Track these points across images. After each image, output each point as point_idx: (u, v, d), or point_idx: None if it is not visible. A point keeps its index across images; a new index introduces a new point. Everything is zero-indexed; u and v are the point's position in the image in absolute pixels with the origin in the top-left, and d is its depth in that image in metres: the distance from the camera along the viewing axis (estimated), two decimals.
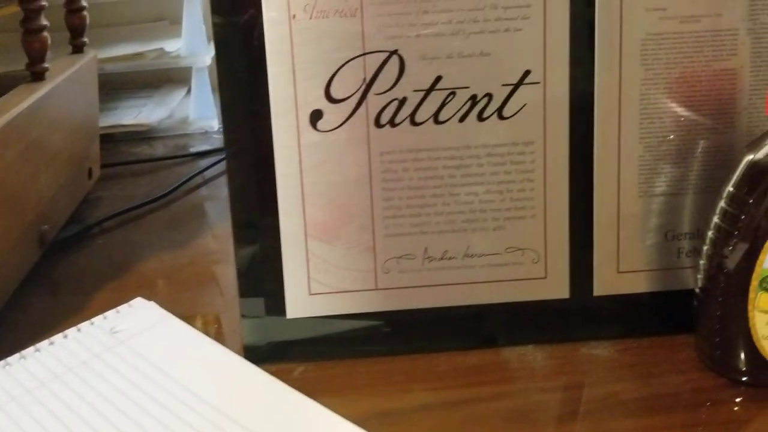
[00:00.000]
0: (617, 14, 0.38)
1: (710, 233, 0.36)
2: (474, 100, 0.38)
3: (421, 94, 0.38)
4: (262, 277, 0.40)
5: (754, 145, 0.35)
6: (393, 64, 0.38)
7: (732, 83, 0.39)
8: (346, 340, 0.41)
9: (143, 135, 0.79)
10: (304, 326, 0.40)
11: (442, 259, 0.40)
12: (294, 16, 0.37)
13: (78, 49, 0.60)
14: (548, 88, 0.38)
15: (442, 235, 0.40)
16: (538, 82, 0.38)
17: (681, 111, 0.39)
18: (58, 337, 0.42)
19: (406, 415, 0.37)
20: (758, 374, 0.37)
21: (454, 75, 0.38)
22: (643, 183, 0.39)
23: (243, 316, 0.40)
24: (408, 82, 0.38)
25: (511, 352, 0.41)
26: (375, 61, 0.38)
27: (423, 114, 0.38)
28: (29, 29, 0.50)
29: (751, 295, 0.35)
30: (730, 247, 0.35)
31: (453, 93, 0.38)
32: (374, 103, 0.38)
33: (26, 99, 0.48)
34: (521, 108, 0.38)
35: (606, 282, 0.41)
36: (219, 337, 0.43)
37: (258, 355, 0.40)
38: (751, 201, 0.34)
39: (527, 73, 0.38)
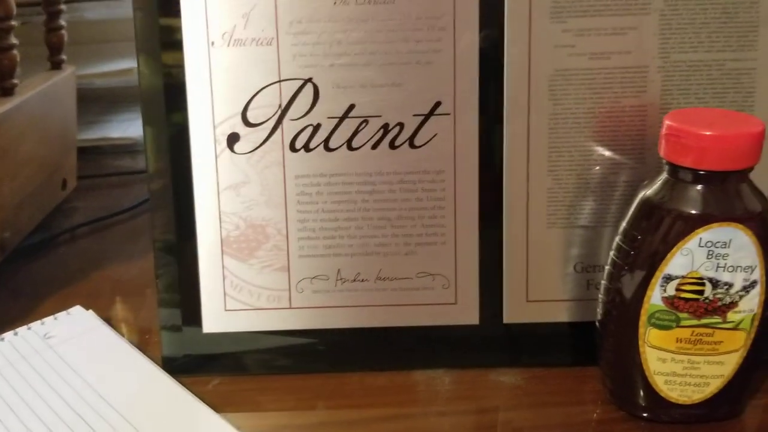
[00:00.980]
0: (525, 50, 0.39)
1: (607, 267, 0.37)
2: (386, 128, 0.40)
3: (335, 121, 0.39)
4: (180, 291, 0.41)
5: (650, 182, 0.36)
6: (307, 92, 0.39)
7: (642, 120, 0.39)
8: (260, 357, 0.42)
9: (129, 149, 0.82)
10: (219, 341, 0.42)
11: (354, 281, 0.41)
12: (212, 43, 0.39)
13: (56, 65, 0.63)
14: (458, 120, 0.39)
15: (354, 258, 0.41)
16: (448, 114, 0.39)
17: (590, 146, 0.39)
18: (5, 336, 0.45)
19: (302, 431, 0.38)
20: (656, 409, 0.37)
21: (366, 104, 0.39)
22: (552, 214, 0.40)
23: (162, 327, 0.42)
24: (322, 109, 0.39)
25: (422, 375, 0.42)
26: (290, 88, 0.39)
27: (337, 140, 0.40)
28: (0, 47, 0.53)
29: (641, 329, 0.35)
30: (621, 282, 0.36)
31: (366, 121, 0.39)
32: (289, 128, 0.40)
33: None
34: (432, 138, 0.40)
35: (515, 310, 0.41)
36: (147, 346, 0.45)
37: (175, 366, 0.42)
38: (639, 237, 0.35)
39: (438, 104, 0.39)
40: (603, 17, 0.38)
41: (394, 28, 0.38)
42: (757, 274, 0.34)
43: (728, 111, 0.37)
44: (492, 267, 0.41)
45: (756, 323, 0.35)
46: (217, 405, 0.39)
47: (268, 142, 0.40)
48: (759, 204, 0.34)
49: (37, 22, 0.65)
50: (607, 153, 0.40)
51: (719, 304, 0.34)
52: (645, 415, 0.37)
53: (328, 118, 0.39)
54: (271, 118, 0.39)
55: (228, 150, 0.40)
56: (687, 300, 0.34)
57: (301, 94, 0.39)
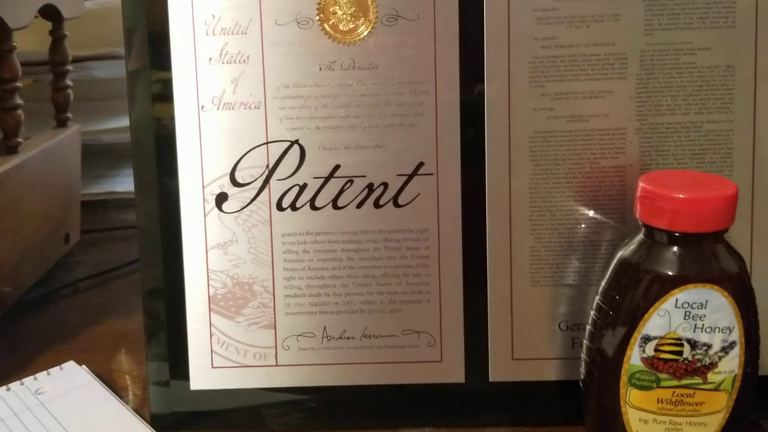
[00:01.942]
0: (505, 113, 0.40)
1: (588, 327, 0.37)
2: (371, 188, 0.40)
3: (321, 180, 0.40)
4: (168, 348, 0.42)
5: (628, 242, 0.36)
6: (294, 153, 0.40)
7: (621, 180, 0.40)
8: (247, 414, 0.42)
9: (135, 203, 0.83)
10: (207, 398, 0.42)
11: (340, 338, 0.42)
12: (203, 107, 0.40)
13: (61, 123, 0.65)
14: (441, 180, 0.40)
15: (340, 316, 0.41)
16: (431, 174, 0.40)
17: (571, 205, 0.40)
18: None
19: None
20: None
21: (351, 164, 0.40)
22: (536, 273, 0.41)
23: (150, 383, 0.42)
24: (308, 170, 0.40)
25: None
26: (277, 149, 0.40)
27: (322, 199, 0.41)
28: (5, 107, 0.55)
29: (622, 390, 0.35)
30: (602, 342, 0.36)
31: (351, 181, 0.40)
32: (276, 188, 0.41)
33: None
34: (415, 197, 0.40)
35: (501, 368, 0.41)
36: (139, 402, 0.45)
37: (164, 423, 0.42)
38: (618, 297, 0.35)
39: (421, 164, 0.40)
40: (580, 81, 0.39)
41: (378, 92, 0.40)
42: (735, 335, 0.34)
43: (703, 173, 0.37)
44: (477, 325, 0.41)
45: (737, 384, 0.35)
46: None
47: (255, 202, 0.41)
48: (735, 265, 0.34)
49: (48, 79, 0.67)
50: (589, 213, 0.40)
51: (699, 365, 0.34)
52: None
53: (314, 178, 0.40)
54: (258, 178, 0.41)
55: (216, 209, 0.41)
56: (666, 361, 0.34)
57: (287, 156, 0.40)
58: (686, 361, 0.34)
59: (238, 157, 0.40)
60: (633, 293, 0.35)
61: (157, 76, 0.40)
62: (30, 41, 0.81)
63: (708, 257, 0.34)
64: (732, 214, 0.34)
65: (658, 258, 0.34)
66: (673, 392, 0.35)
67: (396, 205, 0.41)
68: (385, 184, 0.40)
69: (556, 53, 0.39)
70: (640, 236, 0.35)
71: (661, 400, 0.35)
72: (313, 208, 0.41)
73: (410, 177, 0.40)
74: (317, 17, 0.39)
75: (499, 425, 0.41)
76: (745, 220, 0.40)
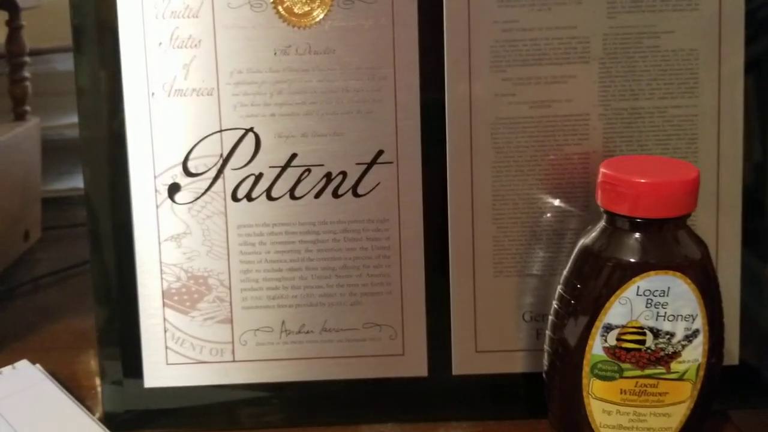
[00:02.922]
0: (467, 99, 0.39)
1: (550, 317, 0.36)
2: (329, 177, 0.39)
3: (277, 170, 0.39)
4: (121, 345, 0.40)
5: (590, 229, 0.35)
6: (249, 141, 0.39)
7: (585, 167, 0.39)
8: (204, 412, 0.41)
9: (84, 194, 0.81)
10: (161, 396, 0.40)
11: (299, 332, 0.40)
12: (153, 93, 0.39)
13: (19, 117, 0.63)
14: (401, 168, 0.39)
15: (299, 309, 0.40)
16: (391, 162, 0.39)
17: (534, 194, 0.39)
18: None
19: None
20: None
21: (308, 153, 0.39)
22: (498, 263, 0.40)
23: (103, 381, 0.41)
24: (264, 159, 0.39)
25: (371, 429, 0.40)
26: (231, 137, 0.39)
27: (279, 189, 0.39)
28: None
29: (585, 380, 0.35)
30: (564, 332, 0.35)
31: (308, 170, 0.39)
32: (231, 177, 0.39)
33: None
34: (375, 186, 0.39)
35: (464, 361, 0.40)
36: (93, 401, 0.44)
37: (117, 422, 0.40)
38: (579, 286, 0.34)
39: (380, 152, 0.39)
40: (542, 66, 0.38)
41: (335, 78, 0.39)
42: (699, 323, 0.33)
43: (665, 158, 0.36)
44: (440, 317, 0.40)
45: (702, 373, 0.34)
46: None
47: (209, 192, 0.39)
48: (698, 251, 0.33)
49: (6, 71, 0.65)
50: (553, 201, 0.39)
51: (662, 354, 0.33)
52: None
53: (270, 167, 0.39)
54: (212, 167, 0.39)
55: (169, 200, 0.39)
56: (629, 350, 0.33)
57: (242, 144, 0.39)
58: (649, 351, 0.33)
59: (191, 146, 0.39)
60: (594, 281, 0.34)
61: (106, 61, 0.39)
62: None
63: (670, 243, 0.33)
64: (694, 199, 0.33)
65: (619, 245, 0.33)
66: (636, 382, 0.34)
67: (355, 194, 0.39)
68: (344, 173, 0.39)
69: (517, 36, 0.38)
70: (602, 223, 0.34)
71: (624, 390, 0.34)
72: (270, 198, 0.39)
73: (369, 166, 0.39)
74: (271, 0, 0.38)
75: (463, 419, 0.40)
76: (711, 206, 0.39)
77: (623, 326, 0.33)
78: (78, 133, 0.87)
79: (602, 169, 0.34)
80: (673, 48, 0.38)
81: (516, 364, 0.40)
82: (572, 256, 0.35)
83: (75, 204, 0.81)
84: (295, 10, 0.38)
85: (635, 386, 0.34)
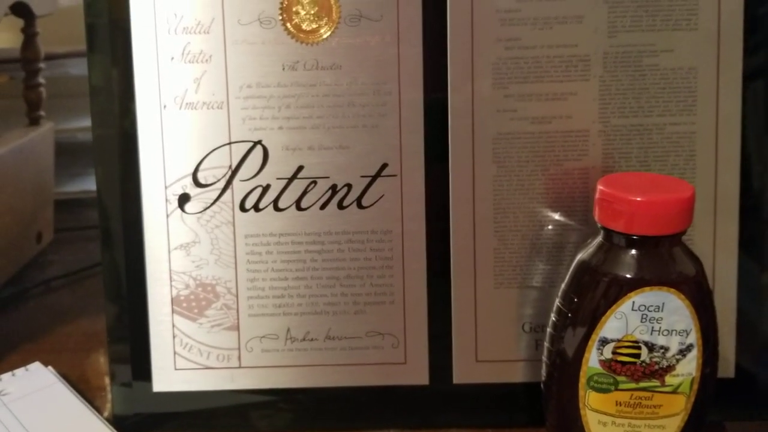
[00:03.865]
0: (469, 114, 0.39)
1: (548, 329, 0.37)
2: (334, 189, 0.40)
3: (284, 182, 0.40)
4: (130, 349, 0.42)
5: (588, 244, 0.36)
6: (257, 154, 0.40)
7: (584, 182, 0.40)
8: (210, 416, 0.42)
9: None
10: (169, 400, 0.42)
11: (304, 340, 0.41)
12: (165, 106, 0.40)
13: (34, 121, 0.65)
14: (405, 181, 0.40)
15: (304, 317, 0.41)
16: (395, 175, 0.40)
17: (534, 207, 0.40)
18: None
19: None
20: None
21: (315, 165, 0.40)
22: (499, 275, 0.40)
23: (113, 384, 0.42)
24: (271, 171, 0.40)
25: None
26: (240, 150, 0.40)
27: (286, 200, 0.40)
28: None
29: (581, 392, 0.35)
30: (561, 344, 0.36)
31: (314, 182, 0.40)
32: (239, 188, 0.40)
33: None
34: (379, 198, 0.40)
35: (465, 371, 0.41)
36: (103, 403, 0.45)
37: (126, 425, 0.42)
38: (576, 300, 0.35)
39: (384, 165, 0.40)
40: (543, 83, 0.39)
41: (341, 92, 0.40)
42: (693, 338, 0.34)
43: (661, 176, 0.37)
44: (441, 326, 0.41)
45: (695, 386, 0.35)
46: None
47: (218, 203, 0.40)
48: (693, 268, 0.34)
49: (22, 76, 0.67)
50: (552, 215, 0.40)
51: (656, 367, 0.34)
52: None
53: (278, 179, 0.40)
54: (221, 179, 0.40)
55: (179, 210, 0.41)
56: (624, 363, 0.34)
57: (250, 156, 0.40)
58: (644, 364, 0.34)
59: (201, 158, 0.40)
60: (591, 295, 0.35)
61: (120, 74, 0.40)
62: (5, 38, 0.80)
63: (665, 260, 0.34)
64: (689, 216, 0.34)
65: (615, 260, 0.34)
66: (632, 395, 0.35)
67: (360, 206, 0.40)
68: (349, 186, 0.40)
69: (519, 54, 0.39)
70: (599, 239, 0.35)
71: (620, 402, 0.35)
72: (277, 209, 0.40)
73: (374, 178, 0.40)
74: (280, 17, 0.39)
75: (463, 427, 0.41)
76: (708, 222, 0.40)
77: (619, 340, 0.34)
78: (89, 137, 0.88)
79: (599, 186, 0.34)
80: (672, 66, 0.39)
81: (515, 373, 0.41)
82: (570, 271, 0.36)
83: (86, 206, 0.82)
84: (303, 27, 0.39)
85: (630, 398, 0.35)
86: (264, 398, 0.42)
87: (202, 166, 0.40)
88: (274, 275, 0.41)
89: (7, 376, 0.47)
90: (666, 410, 0.35)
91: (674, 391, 0.35)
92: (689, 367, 0.34)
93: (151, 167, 0.40)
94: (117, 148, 0.40)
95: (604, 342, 0.34)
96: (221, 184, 0.40)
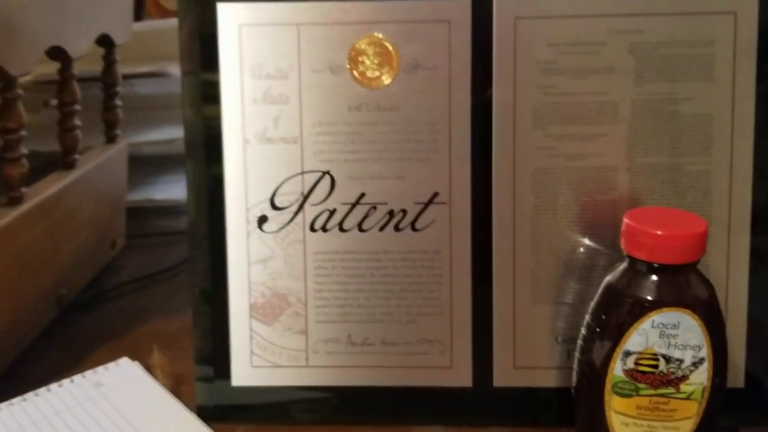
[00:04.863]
0: (511, 151, 0.45)
1: (579, 341, 0.43)
2: (391, 214, 0.46)
3: (348, 206, 0.46)
4: (213, 350, 0.48)
5: (614, 269, 0.42)
6: (325, 182, 0.46)
7: (613, 212, 0.45)
8: (281, 408, 0.48)
9: (172, 210, 0.90)
10: (246, 393, 0.48)
11: (362, 344, 0.47)
12: (248, 141, 0.46)
13: (111, 139, 0.72)
14: (453, 208, 0.46)
15: (363, 324, 0.47)
16: (444, 203, 0.46)
17: (567, 233, 0.45)
18: (54, 386, 0.52)
19: None
20: None
21: (375, 193, 0.46)
22: (536, 292, 0.46)
23: (197, 379, 0.48)
24: (337, 197, 0.46)
25: (420, 430, 0.47)
26: (311, 179, 0.46)
27: (349, 223, 0.46)
28: (64, 128, 0.62)
29: (606, 397, 0.41)
30: (590, 355, 0.41)
31: (374, 207, 0.46)
32: (310, 212, 0.47)
33: (54, 185, 0.59)
34: (431, 223, 0.46)
35: (504, 375, 0.47)
36: (182, 395, 0.51)
37: (207, 414, 0.48)
38: (603, 317, 0.40)
39: (436, 194, 0.46)
40: (577, 126, 0.45)
41: (399, 130, 0.45)
42: (704, 352, 0.39)
43: (679, 211, 0.42)
44: (484, 336, 0.47)
45: (706, 394, 0.40)
46: None
47: (291, 224, 0.47)
48: (705, 292, 0.39)
49: (95, 93, 0.73)
50: (583, 240, 0.45)
51: (672, 377, 0.40)
52: None
53: (342, 204, 0.46)
54: (294, 203, 0.46)
55: (258, 229, 0.47)
56: (644, 372, 0.40)
57: (320, 184, 0.46)
58: (661, 374, 0.40)
59: (277, 185, 0.46)
60: (617, 314, 0.40)
61: (209, 114, 0.46)
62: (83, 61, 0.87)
63: (681, 285, 0.39)
64: (703, 247, 0.39)
65: (638, 284, 0.39)
66: (650, 400, 0.40)
67: (413, 229, 0.46)
68: (404, 211, 0.46)
69: (556, 100, 0.45)
70: (624, 265, 0.41)
71: (640, 406, 0.40)
72: (341, 230, 0.46)
73: (426, 205, 0.46)
74: (347, 66, 0.45)
75: (502, 426, 0.47)
76: (722, 251, 0.45)
77: (640, 353, 0.39)
78: (153, 150, 0.94)
79: (626, 220, 0.40)
80: (691, 113, 0.44)
81: (549, 379, 0.47)
82: (599, 292, 0.41)
83: (150, 214, 0.90)
84: (368, 75, 0.45)
85: (649, 403, 0.40)
86: (326, 394, 0.48)
87: (278, 192, 0.46)
88: (337, 287, 0.47)
89: (101, 369, 0.53)
90: (680, 414, 0.40)
91: (688, 398, 0.40)
92: (701, 378, 0.40)
93: (235, 192, 0.46)
94: (206, 177, 0.47)
95: (627, 354, 0.40)
96: (294, 207, 0.46)
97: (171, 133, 0.90)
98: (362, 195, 0.46)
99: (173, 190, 0.91)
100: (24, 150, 0.54)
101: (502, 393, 0.47)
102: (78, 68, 0.64)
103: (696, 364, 0.39)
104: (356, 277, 0.47)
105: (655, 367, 0.40)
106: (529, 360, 0.47)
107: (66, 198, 0.61)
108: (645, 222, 0.39)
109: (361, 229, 0.46)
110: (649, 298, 0.39)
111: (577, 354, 0.43)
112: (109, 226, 0.72)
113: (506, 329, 0.46)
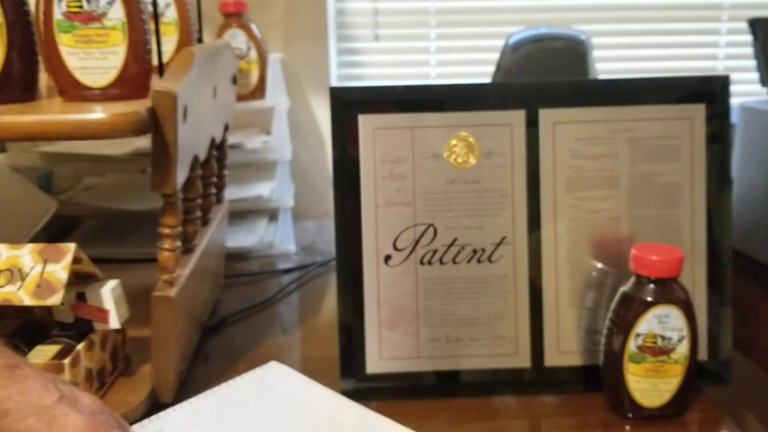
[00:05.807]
0: (552, 208, 0.69)
1: (605, 331, 0.66)
2: (475, 251, 0.69)
3: (446, 247, 0.69)
4: (354, 347, 0.69)
5: (626, 282, 0.65)
6: (430, 231, 0.69)
7: (618, 247, 0.69)
8: (403, 388, 0.69)
9: (241, 255, 1.09)
10: (377, 378, 0.69)
11: (456, 341, 0.69)
12: (378, 204, 0.68)
13: (219, 200, 0.92)
14: (516, 247, 0.69)
15: (456, 327, 0.69)
16: (510, 243, 0.69)
17: (588, 260, 0.69)
18: (225, 384, 0.71)
19: (435, 430, 0.65)
20: (634, 411, 0.65)
21: (464, 237, 0.69)
22: (570, 300, 0.69)
23: (341, 369, 0.69)
24: (438, 241, 0.69)
25: (497, 399, 0.69)
26: (420, 229, 0.69)
27: (447, 258, 0.69)
28: (187, 219, 0.82)
29: (625, 365, 0.64)
30: (613, 340, 0.64)
31: (463, 247, 0.69)
32: (420, 251, 0.69)
33: (203, 238, 0.79)
34: (501, 257, 0.69)
35: (552, 358, 0.70)
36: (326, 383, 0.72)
37: (349, 395, 0.69)
38: (622, 313, 0.64)
39: (504, 238, 0.69)
40: (595, 191, 0.69)
41: (479, 196, 0.69)
42: (685, 333, 0.63)
43: (664, 245, 0.66)
44: (538, 331, 0.69)
45: (687, 361, 0.63)
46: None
47: (407, 260, 0.69)
48: (684, 295, 0.63)
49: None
50: (599, 265, 0.69)
51: (666, 349, 0.63)
52: (629, 415, 0.65)
53: (442, 245, 0.69)
54: (409, 246, 0.69)
55: (384, 264, 0.69)
56: (649, 347, 0.63)
57: (426, 232, 0.69)
58: (659, 347, 0.63)
59: (397, 234, 0.68)
60: (630, 311, 0.63)
61: (352, 185, 0.68)
62: None
63: (669, 290, 0.63)
64: (680, 267, 0.63)
65: (642, 291, 0.63)
66: (653, 365, 0.63)
67: (489, 261, 0.69)
68: (483, 249, 0.69)
69: (581, 174, 0.69)
70: (633, 279, 0.64)
71: (647, 369, 0.63)
72: (441, 263, 0.69)
73: (498, 245, 0.69)
74: (445, 154, 0.68)
75: (552, 393, 0.69)
76: (689, 273, 0.69)
77: (646, 334, 0.63)
78: (240, 205, 1.14)
79: (633, 251, 0.64)
80: (666, 182, 0.69)
81: (584, 359, 0.70)
82: (616, 298, 0.65)
83: (235, 258, 1.08)
84: (458, 160, 0.68)
85: (652, 366, 0.63)
86: (433, 377, 0.69)
87: (398, 239, 0.68)
88: (439, 303, 0.69)
89: (258, 369, 0.73)
90: (671, 373, 0.63)
91: (676, 363, 0.63)
92: (684, 349, 0.63)
93: (369, 240, 0.68)
94: (350, 229, 0.68)
95: (638, 335, 0.63)
96: (409, 249, 0.69)
97: (240, 193, 1.10)
98: (455, 239, 0.69)
99: (239, 238, 1.10)
100: (199, 213, 0.75)
101: (551, 370, 0.70)
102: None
103: (680, 341, 0.63)
104: (452, 296, 0.69)
105: (655, 343, 0.63)
106: (567, 346, 0.70)
107: (207, 249, 0.81)
108: (646, 252, 0.63)
109: (454, 262, 0.69)
110: (650, 299, 0.63)
111: (604, 340, 0.66)
112: (220, 269, 0.92)
113: (552, 326, 0.69)
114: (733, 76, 0.70)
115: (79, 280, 0.63)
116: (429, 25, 1.36)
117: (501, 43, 1.14)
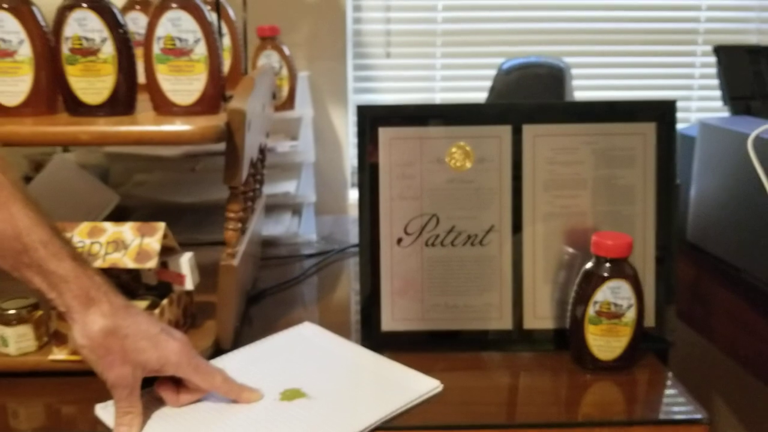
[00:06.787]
0: (532, 204, 0.86)
1: (570, 300, 0.83)
2: (469, 236, 0.86)
3: (446, 233, 0.86)
4: (371, 311, 0.86)
5: (587, 261, 0.82)
6: (434, 220, 0.86)
7: (585, 235, 0.86)
8: (409, 343, 0.87)
9: (270, 242, 1.27)
10: (390, 335, 0.86)
11: (453, 307, 0.87)
12: (392, 198, 0.86)
13: (260, 195, 1.09)
14: (502, 234, 0.87)
15: (453, 296, 0.87)
16: (497, 231, 0.86)
17: (561, 246, 0.86)
18: (269, 337, 0.88)
19: (434, 374, 0.82)
20: (593, 363, 0.82)
21: (461, 225, 0.86)
22: (544, 276, 0.87)
23: (362, 327, 0.86)
24: (440, 228, 0.86)
25: (485, 354, 0.87)
26: (426, 218, 0.86)
27: (447, 241, 0.86)
28: (228, 228, 0.99)
29: (586, 327, 0.81)
30: (577, 307, 0.81)
31: (460, 233, 0.86)
32: (425, 235, 0.86)
33: (251, 225, 0.96)
34: (490, 241, 0.86)
35: (530, 321, 0.87)
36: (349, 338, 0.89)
37: (368, 346, 0.86)
38: (584, 286, 0.81)
39: (492, 226, 0.86)
40: (566, 190, 0.86)
41: (473, 193, 0.86)
42: (632, 301, 0.80)
43: (618, 233, 0.83)
44: (518, 300, 0.87)
45: (634, 324, 0.81)
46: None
47: (415, 243, 0.86)
48: (632, 271, 0.81)
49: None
50: (569, 249, 0.86)
51: (618, 314, 0.80)
52: (590, 366, 0.82)
53: (443, 231, 0.86)
54: (417, 231, 0.86)
55: (397, 245, 0.86)
56: (604, 312, 0.80)
57: (430, 221, 0.86)
58: (612, 313, 0.80)
59: (408, 221, 0.86)
60: (589, 284, 0.81)
61: (372, 180, 0.85)
62: None
63: (621, 268, 0.80)
64: (630, 249, 0.80)
65: (600, 269, 0.80)
66: (607, 326, 0.80)
67: (481, 245, 0.86)
68: (476, 235, 0.86)
69: (555, 177, 0.86)
70: (593, 259, 0.81)
71: (603, 330, 0.81)
72: (442, 245, 0.86)
73: (488, 232, 0.86)
74: (446, 159, 0.86)
75: (529, 351, 0.87)
76: (640, 256, 0.86)
77: (602, 302, 0.80)
78: (270, 200, 1.32)
79: (594, 238, 0.81)
80: (624, 184, 0.86)
81: (555, 322, 0.87)
82: (580, 273, 0.82)
83: (266, 244, 1.26)
84: (457, 164, 0.86)
85: (607, 327, 0.80)
86: (433, 335, 0.86)
87: (408, 226, 0.86)
88: (439, 276, 0.86)
89: (295, 327, 0.91)
90: (622, 333, 0.81)
91: (625, 325, 0.80)
92: (632, 314, 0.80)
93: (385, 225, 0.86)
94: (370, 217, 0.86)
95: (595, 303, 0.80)
96: (417, 233, 0.86)
97: (270, 190, 1.28)
98: (453, 227, 0.86)
99: (269, 228, 1.28)
100: (239, 224, 0.92)
101: (529, 332, 0.87)
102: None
103: (629, 308, 0.80)
104: (449, 271, 0.86)
105: (609, 309, 0.80)
106: (542, 312, 0.87)
107: (253, 231, 0.99)
108: (603, 238, 0.80)
109: (453, 245, 0.86)
110: (606, 275, 0.80)
111: (570, 307, 0.83)
112: (257, 255, 1.09)
113: (531, 296, 0.87)
114: (708, 94, 0.88)
115: (162, 251, 0.81)
116: (435, 44, 1.54)
117: (497, 61, 1.32)
